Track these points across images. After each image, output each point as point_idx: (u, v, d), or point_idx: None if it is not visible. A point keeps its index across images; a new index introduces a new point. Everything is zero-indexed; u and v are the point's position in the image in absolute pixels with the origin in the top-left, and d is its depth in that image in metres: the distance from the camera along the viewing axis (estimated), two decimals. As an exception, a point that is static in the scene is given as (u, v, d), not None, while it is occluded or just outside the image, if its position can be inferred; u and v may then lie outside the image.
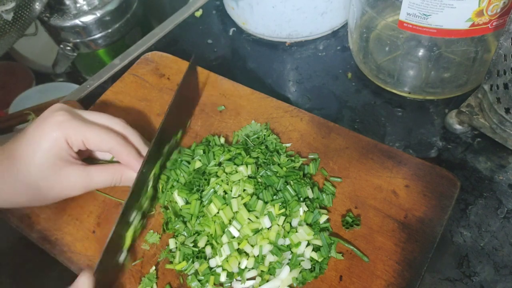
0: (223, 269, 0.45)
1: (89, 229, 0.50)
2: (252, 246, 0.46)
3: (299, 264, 0.45)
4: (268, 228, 0.46)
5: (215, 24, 0.82)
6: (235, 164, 0.51)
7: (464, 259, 0.49)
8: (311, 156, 0.54)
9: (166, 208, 0.51)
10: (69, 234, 0.50)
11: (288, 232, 0.46)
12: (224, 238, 0.46)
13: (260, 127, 0.57)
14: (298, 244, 0.46)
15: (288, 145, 0.56)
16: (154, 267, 0.47)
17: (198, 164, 0.52)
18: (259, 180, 0.50)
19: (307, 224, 0.47)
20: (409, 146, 0.60)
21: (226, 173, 0.49)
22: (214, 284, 0.45)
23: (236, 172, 0.49)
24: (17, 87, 1.09)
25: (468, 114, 0.57)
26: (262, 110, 0.60)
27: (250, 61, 0.75)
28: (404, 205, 0.49)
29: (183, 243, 0.47)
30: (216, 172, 0.50)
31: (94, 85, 0.71)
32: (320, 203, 0.50)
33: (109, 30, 0.91)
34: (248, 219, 0.46)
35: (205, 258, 0.46)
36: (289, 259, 0.46)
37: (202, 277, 0.45)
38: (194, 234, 0.48)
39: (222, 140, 0.56)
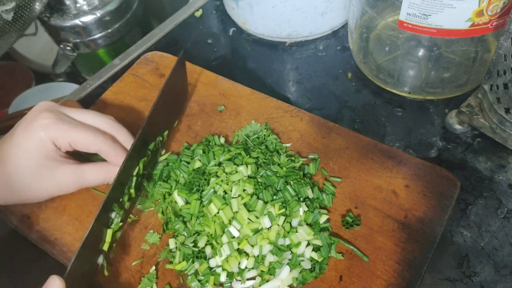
0: (223, 269, 0.45)
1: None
2: (252, 246, 0.46)
3: (299, 264, 0.45)
4: (268, 228, 0.46)
5: (215, 24, 0.82)
6: (235, 164, 0.51)
7: (464, 259, 0.49)
8: (311, 156, 0.54)
9: (162, 213, 0.51)
10: (68, 234, 0.50)
11: (288, 232, 0.46)
12: (224, 238, 0.46)
13: (260, 127, 0.57)
14: (298, 244, 0.46)
15: (288, 145, 0.56)
16: (154, 267, 0.47)
17: (197, 164, 0.52)
18: (259, 180, 0.50)
19: (307, 224, 0.47)
20: (409, 146, 0.60)
21: (226, 173, 0.49)
22: (214, 284, 0.45)
23: (236, 172, 0.49)
24: (17, 87, 1.09)
25: (468, 114, 0.57)
26: (262, 110, 0.60)
27: (250, 61, 0.75)
28: (404, 205, 0.49)
29: (183, 243, 0.47)
30: (216, 172, 0.50)
31: (94, 85, 0.71)
32: (320, 203, 0.50)
33: (109, 30, 0.91)
34: (248, 219, 0.46)
35: (205, 258, 0.46)
36: (289, 259, 0.46)
37: (202, 277, 0.45)
38: (194, 234, 0.48)
39: (222, 140, 0.56)
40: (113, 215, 0.46)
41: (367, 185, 0.51)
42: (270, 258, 0.45)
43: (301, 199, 0.49)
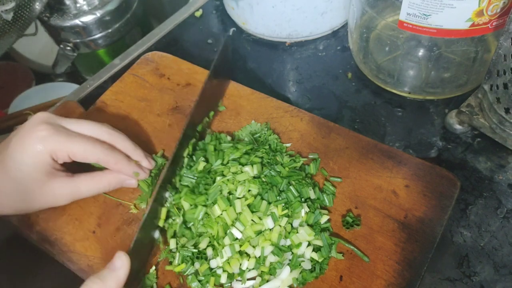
0: (224, 270, 0.45)
1: (89, 229, 0.50)
2: (254, 247, 0.45)
3: (300, 264, 0.45)
4: (270, 229, 0.46)
5: (215, 24, 0.82)
6: (240, 164, 0.50)
7: (464, 259, 0.49)
8: (311, 156, 0.54)
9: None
10: (68, 234, 0.50)
11: (289, 233, 0.46)
12: (227, 240, 0.46)
13: (260, 127, 0.57)
14: (299, 244, 0.46)
15: (288, 145, 0.56)
16: (154, 267, 0.47)
17: (201, 165, 0.52)
18: (263, 180, 0.49)
19: (308, 225, 0.47)
20: (409, 146, 0.60)
21: (232, 173, 0.49)
22: (214, 284, 0.45)
23: (242, 172, 0.49)
24: (17, 87, 1.09)
25: (468, 114, 0.57)
26: (262, 110, 0.60)
27: (250, 61, 0.75)
28: (404, 205, 0.49)
29: (183, 246, 0.47)
30: (222, 171, 0.50)
31: (94, 85, 0.71)
32: (321, 203, 0.50)
33: (109, 30, 0.91)
34: (252, 220, 0.46)
35: (205, 258, 0.46)
36: (290, 260, 0.46)
37: (203, 278, 0.45)
38: (196, 236, 0.47)
39: (229, 138, 0.56)
40: (167, 194, 0.49)
41: (367, 185, 0.51)
42: (271, 258, 0.45)
43: (303, 199, 0.49)
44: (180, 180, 0.51)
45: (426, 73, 0.62)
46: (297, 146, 0.56)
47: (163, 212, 0.48)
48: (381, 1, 0.62)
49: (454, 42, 0.57)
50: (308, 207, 0.48)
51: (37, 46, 1.13)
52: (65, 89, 1.04)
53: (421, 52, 0.61)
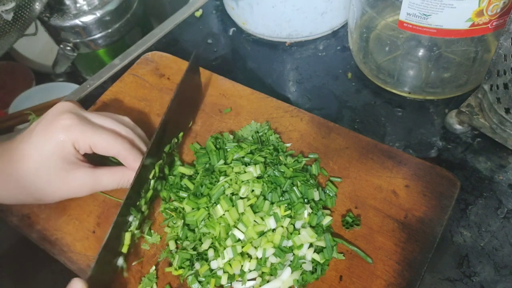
0: (224, 271, 0.45)
1: (89, 229, 0.50)
2: (256, 248, 0.45)
3: (301, 266, 0.45)
4: (273, 230, 0.46)
5: (215, 24, 0.82)
6: (243, 164, 0.50)
7: (464, 259, 0.49)
8: (311, 156, 0.54)
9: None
10: (69, 234, 0.50)
11: (291, 234, 0.46)
12: (228, 241, 0.45)
13: (260, 126, 0.57)
14: (301, 246, 0.45)
15: (288, 145, 0.56)
16: (154, 267, 0.47)
17: (184, 170, 0.52)
18: (266, 179, 0.49)
19: (310, 226, 0.47)
20: (409, 146, 0.60)
21: (235, 173, 0.49)
22: (215, 286, 0.45)
23: (245, 172, 0.49)
24: (17, 87, 1.09)
25: (468, 114, 0.57)
26: (262, 110, 0.60)
27: (250, 61, 0.75)
28: (404, 205, 0.49)
29: (183, 248, 0.47)
30: (225, 171, 0.50)
31: (94, 85, 0.71)
32: (323, 204, 0.50)
33: (109, 30, 0.91)
34: (254, 221, 0.46)
35: (206, 260, 0.46)
36: (291, 261, 0.46)
37: (203, 279, 0.45)
38: (198, 239, 0.47)
39: (231, 137, 0.56)
40: (130, 218, 0.47)
41: (367, 185, 0.51)
42: (272, 259, 0.45)
43: (306, 200, 0.49)
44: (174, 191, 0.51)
45: (426, 73, 0.62)
46: (297, 146, 0.56)
47: (127, 237, 0.46)
48: (381, 1, 0.62)
49: (454, 42, 0.57)
50: (311, 208, 0.48)
51: (37, 46, 1.13)
52: (65, 89, 1.04)
53: (421, 52, 0.61)
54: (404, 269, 0.45)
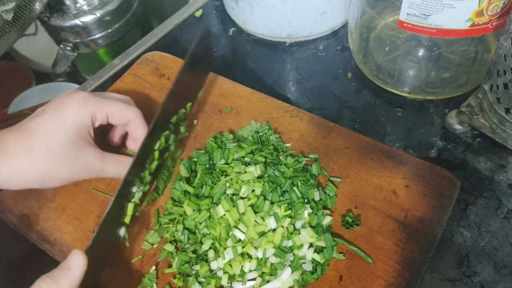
0: (225, 272, 0.45)
1: (88, 229, 0.50)
2: (256, 248, 0.45)
3: (301, 266, 0.45)
4: (273, 230, 0.46)
5: (215, 24, 0.82)
6: (243, 164, 0.50)
7: (464, 259, 0.49)
8: (311, 156, 0.54)
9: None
10: (68, 234, 0.50)
11: (291, 234, 0.46)
12: (229, 242, 0.45)
13: (260, 126, 0.57)
14: (301, 246, 0.45)
15: (288, 145, 0.56)
16: (154, 267, 0.47)
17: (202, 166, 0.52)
18: (267, 179, 0.49)
19: (310, 226, 0.47)
20: (409, 146, 0.60)
21: (236, 173, 0.49)
22: (215, 286, 0.45)
23: (245, 172, 0.49)
24: (17, 87, 1.08)
25: (468, 114, 0.57)
26: (262, 110, 0.60)
27: (250, 61, 0.75)
28: (404, 205, 0.49)
29: (184, 250, 0.47)
30: (226, 171, 0.50)
31: (94, 85, 0.71)
32: (323, 204, 0.50)
33: (109, 30, 0.91)
34: (255, 221, 0.46)
35: (206, 260, 0.46)
36: (291, 261, 0.45)
37: (203, 279, 0.45)
38: (199, 242, 0.47)
39: (231, 136, 0.56)
40: (134, 189, 0.47)
41: (367, 185, 0.51)
42: (273, 259, 0.45)
43: (306, 200, 0.49)
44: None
45: (426, 73, 0.62)
46: (297, 146, 0.56)
47: (130, 207, 0.46)
48: (381, 1, 0.62)
49: (454, 42, 0.57)
50: (311, 208, 0.48)
51: (37, 46, 1.13)
52: (65, 89, 1.03)
53: (421, 52, 0.61)
54: (404, 269, 0.45)
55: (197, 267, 0.45)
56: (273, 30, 0.75)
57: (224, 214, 0.46)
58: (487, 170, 0.56)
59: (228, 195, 0.48)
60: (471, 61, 0.60)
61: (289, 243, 0.46)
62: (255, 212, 0.47)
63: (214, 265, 0.45)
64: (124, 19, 0.93)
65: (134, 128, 0.51)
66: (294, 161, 0.52)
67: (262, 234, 0.46)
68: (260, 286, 0.44)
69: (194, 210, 0.48)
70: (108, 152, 0.50)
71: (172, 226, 0.49)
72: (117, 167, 0.50)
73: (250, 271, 0.45)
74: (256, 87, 0.62)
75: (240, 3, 0.74)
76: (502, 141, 0.56)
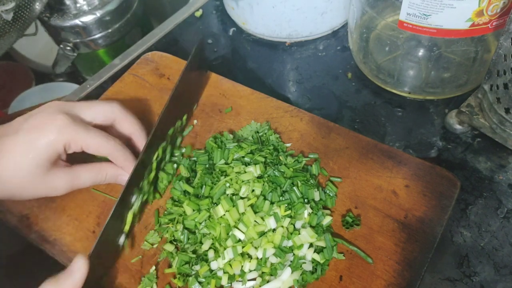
0: (225, 272, 0.45)
1: (88, 229, 0.50)
2: (256, 248, 0.45)
3: (301, 266, 0.45)
4: (273, 230, 0.46)
5: (215, 24, 0.82)
6: (243, 164, 0.50)
7: (464, 259, 0.49)
8: (311, 156, 0.54)
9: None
10: (68, 234, 0.50)
11: (291, 234, 0.46)
12: (229, 242, 0.45)
13: (260, 126, 0.57)
14: (301, 246, 0.45)
15: (288, 145, 0.56)
16: (154, 267, 0.47)
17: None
18: (267, 179, 0.49)
19: (310, 226, 0.47)
20: (409, 146, 0.60)
21: (236, 173, 0.49)
22: (215, 286, 0.45)
23: (245, 172, 0.49)
24: (17, 87, 1.08)
25: (468, 114, 0.57)
26: (262, 110, 0.60)
27: (250, 61, 0.75)
28: (404, 205, 0.49)
29: (184, 250, 0.47)
30: (225, 171, 0.50)
31: (94, 85, 0.71)
32: (323, 204, 0.50)
33: (109, 30, 0.91)
34: (254, 221, 0.46)
35: (206, 260, 0.46)
36: (291, 261, 0.45)
37: (203, 279, 0.45)
38: (199, 242, 0.47)
39: (231, 136, 0.56)
40: (133, 198, 0.48)
41: (367, 185, 0.51)
42: (273, 259, 0.45)
43: (306, 200, 0.49)
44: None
45: (426, 73, 0.62)
46: (297, 146, 0.56)
47: (129, 216, 0.48)
48: (381, 1, 0.62)
49: (454, 42, 0.57)
50: (311, 208, 0.48)
51: (37, 46, 1.13)
52: (65, 89, 1.04)
53: (421, 52, 0.61)
54: (404, 269, 0.45)
55: (197, 267, 0.45)
56: (273, 30, 0.75)
57: (224, 214, 0.46)
58: (487, 170, 0.56)
59: (228, 195, 0.48)
60: (471, 61, 0.60)
61: (289, 243, 0.46)
62: (255, 212, 0.47)
63: (214, 265, 0.45)
64: (124, 19, 0.93)
65: (114, 160, 0.50)
66: (294, 161, 0.52)
67: (262, 234, 0.46)
68: (260, 286, 0.44)
69: (194, 210, 0.48)
70: (78, 161, 0.50)
71: (172, 226, 0.49)
72: (89, 175, 0.50)
73: (250, 271, 0.45)
74: (256, 87, 0.62)
75: (240, 3, 0.74)
76: (502, 141, 0.56)
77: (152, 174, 0.51)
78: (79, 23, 0.87)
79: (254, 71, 0.73)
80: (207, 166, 0.52)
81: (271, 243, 0.45)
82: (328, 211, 0.49)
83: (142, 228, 0.50)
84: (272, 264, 0.45)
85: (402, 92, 0.65)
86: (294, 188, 0.49)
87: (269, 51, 0.76)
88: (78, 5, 0.87)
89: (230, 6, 0.77)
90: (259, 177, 0.49)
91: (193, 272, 0.46)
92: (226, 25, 0.81)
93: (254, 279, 0.45)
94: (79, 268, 0.40)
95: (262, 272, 0.45)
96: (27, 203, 0.52)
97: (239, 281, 0.45)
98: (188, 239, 0.48)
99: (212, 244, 0.46)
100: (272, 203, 0.47)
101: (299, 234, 0.46)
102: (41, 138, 0.46)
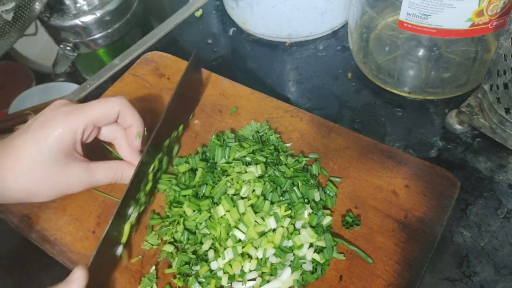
0: (225, 272, 0.45)
1: (89, 229, 0.50)
2: (256, 248, 0.45)
3: (301, 266, 0.45)
4: (273, 230, 0.46)
5: (215, 24, 0.82)
6: (244, 164, 0.50)
7: (464, 259, 0.49)
8: (311, 156, 0.54)
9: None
10: (69, 234, 0.50)
11: (291, 234, 0.46)
12: (229, 242, 0.45)
13: (260, 126, 0.57)
14: (301, 246, 0.45)
15: (288, 145, 0.56)
16: (154, 267, 0.47)
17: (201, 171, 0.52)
18: (267, 179, 0.49)
19: (310, 226, 0.47)
20: (409, 146, 0.60)
21: (237, 172, 0.49)
22: (215, 286, 0.45)
23: (246, 172, 0.49)
24: (17, 87, 1.09)
25: (468, 114, 0.57)
26: (262, 110, 0.60)
27: (250, 61, 0.75)
28: (404, 205, 0.49)
29: (184, 250, 0.47)
30: (226, 170, 0.50)
31: (94, 85, 0.71)
32: (323, 204, 0.50)
33: (109, 30, 0.91)
34: (255, 221, 0.46)
35: (206, 260, 0.46)
36: (291, 261, 0.45)
37: (203, 279, 0.45)
38: (199, 242, 0.47)
39: (232, 135, 0.56)
40: (130, 210, 0.48)
41: (367, 185, 0.51)
42: (273, 259, 0.45)
43: (306, 200, 0.49)
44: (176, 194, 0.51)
45: (426, 73, 0.62)
46: (297, 146, 0.56)
47: (126, 228, 0.48)
48: (381, 1, 0.62)
49: (454, 42, 0.57)
50: (311, 208, 0.48)
51: (37, 46, 1.13)
52: (65, 89, 1.04)
53: (421, 52, 0.61)
54: (404, 269, 0.45)
55: (197, 267, 0.45)
56: (273, 30, 0.75)
57: (224, 214, 0.46)
58: (487, 170, 0.56)
59: (228, 195, 0.48)
60: (471, 61, 0.60)
61: (289, 243, 0.46)
62: (255, 212, 0.47)
63: (214, 265, 0.45)
64: (124, 19, 0.93)
65: (124, 118, 0.50)
66: (294, 161, 0.52)
67: (262, 234, 0.46)
68: (260, 286, 0.44)
69: (194, 211, 0.48)
70: (95, 160, 0.50)
71: (172, 228, 0.49)
72: (106, 173, 0.50)
73: (250, 271, 0.45)
74: (256, 87, 0.62)
75: (240, 3, 0.74)
76: (502, 141, 0.56)
77: (149, 185, 0.50)
78: (79, 23, 0.87)
79: (254, 71, 0.73)
80: (208, 164, 0.52)
81: (271, 243, 0.45)
82: (328, 211, 0.49)
83: (143, 228, 0.50)
84: (272, 264, 0.45)
85: (402, 92, 0.65)
86: (294, 188, 0.49)
87: (269, 51, 0.76)
88: (78, 5, 0.87)
89: (230, 6, 0.77)
90: (260, 177, 0.49)
91: (193, 272, 0.46)
92: (226, 25, 0.81)
93: (254, 279, 0.45)
94: (78, 278, 0.40)
95: (262, 272, 0.45)
96: (28, 203, 0.52)
97: (239, 281, 0.45)
98: (188, 239, 0.48)
99: (212, 244, 0.46)
100: (272, 203, 0.47)
101: (299, 234, 0.46)
102: (50, 133, 0.46)
